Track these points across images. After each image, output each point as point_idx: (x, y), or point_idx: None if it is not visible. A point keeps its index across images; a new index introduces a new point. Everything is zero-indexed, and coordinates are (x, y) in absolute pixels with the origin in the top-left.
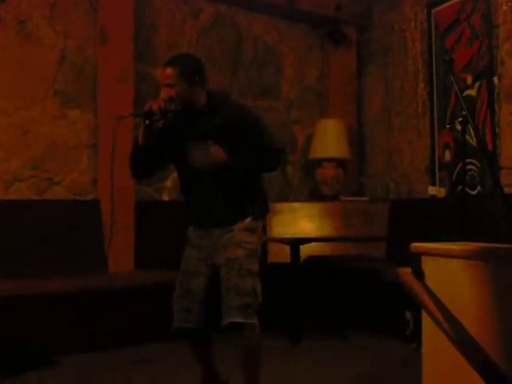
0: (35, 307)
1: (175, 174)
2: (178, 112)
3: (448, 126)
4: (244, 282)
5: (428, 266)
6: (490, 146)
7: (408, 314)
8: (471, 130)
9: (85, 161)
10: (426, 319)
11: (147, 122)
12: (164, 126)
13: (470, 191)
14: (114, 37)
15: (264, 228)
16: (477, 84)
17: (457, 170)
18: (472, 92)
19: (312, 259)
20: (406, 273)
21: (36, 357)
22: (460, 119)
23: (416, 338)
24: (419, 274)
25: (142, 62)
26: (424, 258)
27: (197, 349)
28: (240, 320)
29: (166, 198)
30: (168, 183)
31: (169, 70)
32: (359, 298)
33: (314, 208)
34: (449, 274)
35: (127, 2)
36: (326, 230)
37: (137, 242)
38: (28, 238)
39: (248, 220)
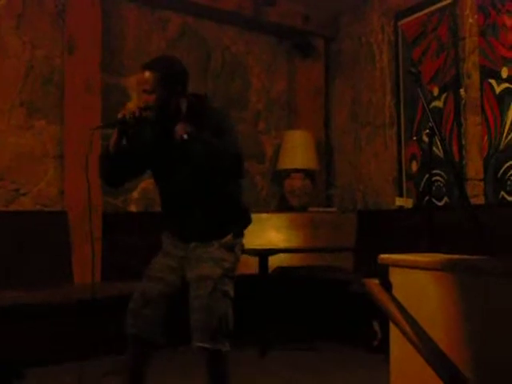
0: (2, 319)
1: (143, 185)
2: (154, 122)
3: (415, 138)
4: (217, 304)
5: (395, 277)
6: (456, 158)
7: (375, 325)
8: (438, 142)
9: (51, 172)
10: (393, 330)
11: (120, 130)
12: (138, 136)
13: (436, 202)
14: (82, 47)
15: (242, 246)
16: (443, 96)
17: (424, 181)
18: (439, 103)
19: (280, 270)
20: (373, 284)
21: (4, 369)
22: (427, 131)
23: (384, 348)
24: (387, 285)
25: (110, 72)
26: (391, 270)
27: (135, 360)
28: (207, 346)
29: (133, 209)
30: (135, 194)
31: (147, 75)
32: (327, 308)
33: (282, 219)
34: (416, 285)
35: (95, 12)
36: (294, 241)
37: (104, 254)
38: None
39: (228, 237)
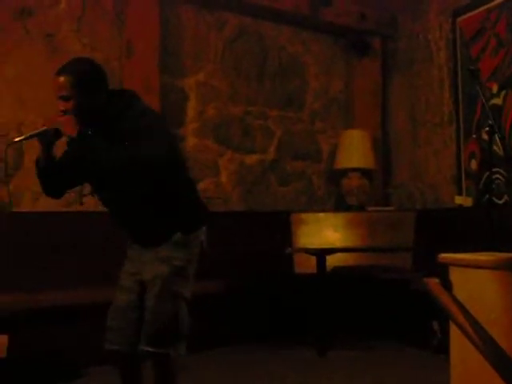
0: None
1: (202, 185)
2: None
3: (474, 136)
4: (163, 305)
5: (456, 276)
6: None
7: (435, 324)
8: (497, 140)
9: None
10: (454, 330)
11: (43, 143)
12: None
13: (497, 200)
14: (140, 49)
15: (202, 242)
16: (503, 93)
17: (483, 179)
18: (498, 101)
19: (338, 270)
20: (434, 283)
21: (64, 368)
22: (486, 129)
23: (444, 348)
24: (447, 285)
25: (168, 73)
26: (452, 269)
27: (124, 374)
28: (150, 349)
29: None
30: None
31: (62, 79)
32: (386, 308)
33: (339, 218)
34: (477, 285)
35: (153, 14)
36: (352, 241)
37: None
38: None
39: (177, 235)
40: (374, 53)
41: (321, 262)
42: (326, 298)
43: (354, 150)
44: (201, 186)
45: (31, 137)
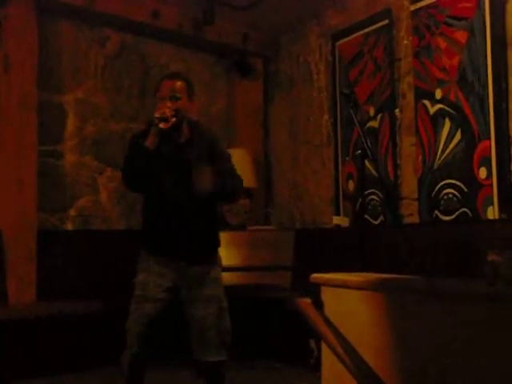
0: None
1: (80, 203)
2: (175, 126)
3: (347, 159)
4: (224, 320)
5: (327, 296)
6: (391, 177)
7: (312, 343)
8: (369, 163)
9: None
10: (325, 348)
11: (161, 126)
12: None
13: (372, 221)
14: (18, 64)
15: None
16: (379, 116)
17: (359, 200)
18: (374, 124)
19: None
20: (305, 303)
21: None
22: (359, 151)
23: (320, 366)
24: (318, 305)
25: (47, 89)
26: (323, 289)
27: (134, 377)
28: (221, 358)
29: (69, 227)
30: (72, 212)
31: (179, 84)
32: (265, 326)
33: (221, 237)
34: (346, 304)
35: (31, 29)
36: (233, 260)
37: (39, 273)
38: None
39: (217, 256)
40: (256, 73)
41: None
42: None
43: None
44: (79, 203)
45: (162, 118)
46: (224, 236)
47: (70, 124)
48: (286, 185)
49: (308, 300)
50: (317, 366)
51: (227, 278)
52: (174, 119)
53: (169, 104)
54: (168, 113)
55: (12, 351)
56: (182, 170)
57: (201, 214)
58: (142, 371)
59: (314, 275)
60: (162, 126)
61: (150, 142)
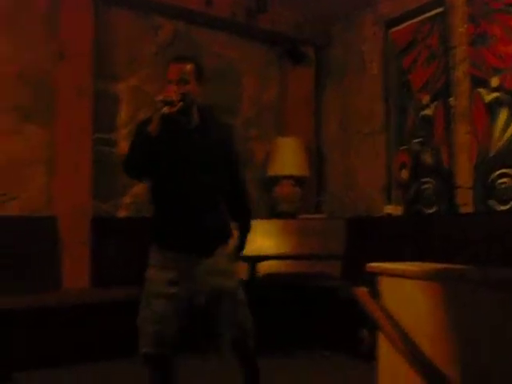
0: None
1: (134, 190)
2: (183, 111)
3: (405, 147)
4: (239, 314)
5: (384, 285)
6: (446, 165)
7: (364, 332)
8: (428, 150)
9: (41, 177)
10: (381, 338)
11: (165, 110)
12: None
13: (426, 210)
14: (73, 52)
15: None
16: (434, 104)
17: (413, 188)
18: (429, 112)
19: (269, 277)
20: (362, 292)
21: None
22: (417, 139)
23: (373, 355)
24: (375, 294)
25: (101, 77)
26: (380, 278)
27: (161, 376)
28: (250, 342)
29: (122, 214)
30: (126, 199)
31: (189, 66)
32: (316, 315)
33: (271, 225)
34: (404, 294)
35: (87, 18)
36: (284, 248)
37: (92, 259)
38: None
39: (229, 247)
40: (308, 61)
41: (252, 269)
42: (257, 304)
43: (287, 158)
44: (132, 191)
45: (166, 102)
46: (275, 224)
47: (124, 112)
48: (338, 173)
49: (365, 289)
50: (369, 355)
51: (278, 265)
52: (180, 103)
53: (175, 88)
54: (174, 96)
55: (65, 336)
56: (191, 156)
57: (209, 203)
58: (166, 371)
59: (371, 264)
60: (166, 110)
61: (152, 128)
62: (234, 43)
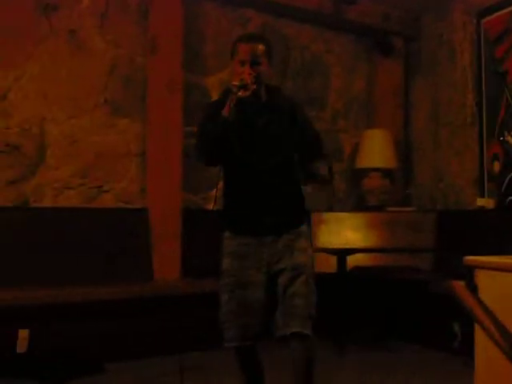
0: (84, 314)
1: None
2: (255, 94)
3: (498, 139)
4: (311, 291)
5: (482, 279)
6: None
7: (456, 326)
8: None
9: (133, 169)
10: (478, 333)
11: (240, 94)
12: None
13: None
14: (164, 46)
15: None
16: None
17: (506, 181)
18: None
19: (357, 270)
20: (459, 286)
21: (85, 364)
22: (510, 131)
23: (464, 350)
24: (473, 288)
25: (191, 71)
26: (477, 271)
27: (249, 364)
28: (305, 331)
29: (212, 207)
30: (214, 192)
31: (260, 46)
32: (405, 308)
33: (359, 218)
34: (503, 288)
35: (177, 11)
36: (372, 241)
37: (183, 251)
38: (77, 245)
39: (304, 227)
40: (397, 53)
41: (341, 262)
42: (346, 298)
43: (376, 150)
44: (221, 184)
45: (242, 85)
46: (363, 217)
47: None
48: (427, 166)
49: (462, 283)
50: (460, 350)
51: (366, 258)
52: (254, 86)
53: (248, 70)
54: (248, 79)
55: (158, 326)
56: (261, 135)
57: (284, 182)
58: (254, 365)
59: (469, 257)
60: (242, 93)
61: (227, 112)
62: (321, 36)
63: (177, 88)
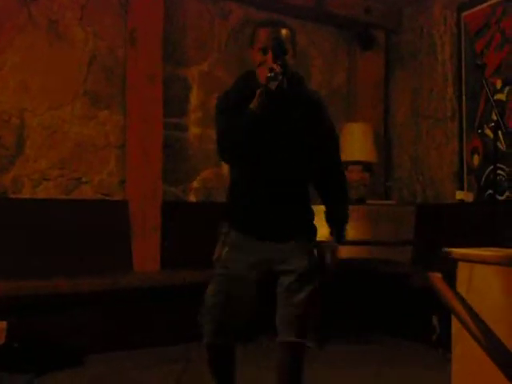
0: (62, 306)
1: (203, 174)
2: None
3: (477, 132)
4: (309, 301)
5: (460, 271)
6: None
7: (434, 319)
8: (500, 135)
9: (113, 161)
10: (456, 325)
11: (271, 86)
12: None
13: (498, 196)
14: (144, 38)
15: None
16: (506, 89)
17: (485, 174)
18: (502, 96)
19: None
20: (437, 278)
21: (65, 355)
22: (491, 124)
23: (442, 342)
24: (450, 280)
25: (171, 62)
26: (459, 264)
27: (223, 365)
28: (297, 340)
29: (192, 199)
30: (195, 184)
31: (285, 32)
32: (385, 301)
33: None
34: (481, 280)
35: (157, 3)
36: (352, 234)
37: (163, 243)
38: (55, 237)
39: (311, 238)
40: (378, 46)
41: (321, 255)
42: (326, 290)
43: (356, 143)
44: (202, 175)
45: (272, 77)
46: None
47: (194, 97)
48: (407, 159)
49: (439, 274)
50: (438, 343)
51: (346, 251)
52: (282, 77)
53: (272, 58)
54: (277, 69)
55: (137, 318)
56: (279, 133)
57: (296, 187)
58: (227, 364)
59: (448, 249)
60: (272, 85)
61: (256, 105)
62: (303, 28)
63: (157, 80)
